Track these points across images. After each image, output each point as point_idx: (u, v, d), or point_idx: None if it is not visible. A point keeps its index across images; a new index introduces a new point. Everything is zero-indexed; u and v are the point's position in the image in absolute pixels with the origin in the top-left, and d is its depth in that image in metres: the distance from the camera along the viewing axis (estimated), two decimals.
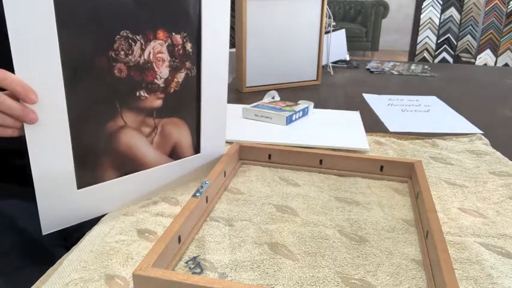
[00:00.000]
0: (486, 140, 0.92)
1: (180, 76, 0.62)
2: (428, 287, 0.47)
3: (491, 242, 0.56)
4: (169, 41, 0.59)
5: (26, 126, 0.48)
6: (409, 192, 0.69)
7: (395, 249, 0.54)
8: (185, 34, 0.61)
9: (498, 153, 0.85)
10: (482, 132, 1.00)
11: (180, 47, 0.60)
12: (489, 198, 0.68)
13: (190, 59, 0.63)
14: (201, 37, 0.62)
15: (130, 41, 0.54)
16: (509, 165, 0.80)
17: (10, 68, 0.45)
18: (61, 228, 0.56)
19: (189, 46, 0.62)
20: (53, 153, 0.52)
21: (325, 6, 1.36)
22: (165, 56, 0.59)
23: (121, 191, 0.61)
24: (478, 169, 0.79)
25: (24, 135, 0.49)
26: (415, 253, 0.53)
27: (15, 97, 0.47)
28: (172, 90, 0.62)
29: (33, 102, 0.47)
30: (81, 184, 0.56)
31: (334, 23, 1.57)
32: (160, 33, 0.57)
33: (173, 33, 0.59)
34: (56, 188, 0.53)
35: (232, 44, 1.35)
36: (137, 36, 0.55)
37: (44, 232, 0.54)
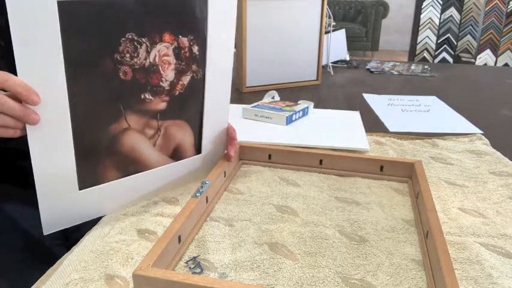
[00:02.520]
0: (486, 140, 0.92)
1: (186, 79, 0.62)
2: (428, 287, 0.47)
3: (491, 242, 0.56)
4: (175, 43, 0.58)
5: (27, 127, 0.48)
6: (409, 192, 0.69)
7: (396, 249, 0.54)
8: (192, 37, 0.60)
9: (498, 153, 0.85)
10: (482, 132, 1.00)
11: (186, 50, 0.60)
12: (489, 198, 0.68)
13: (197, 62, 0.62)
14: (207, 40, 0.62)
15: (135, 43, 0.54)
16: (509, 165, 0.80)
17: (13, 67, 0.45)
18: (62, 228, 0.56)
19: (196, 49, 0.61)
20: (55, 154, 0.52)
21: (325, 6, 1.36)
22: (171, 58, 0.59)
23: (122, 191, 0.61)
24: (478, 169, 0.79)
25: (26, 136, 0.49)
26: (415, 253, 0.53)
27: (17, 98, 0.47)
28: (177, 92, 0.61)
29: (35, 103, 0.47)
30: (82, 185, 0.56)
31: (334, 23, 1.57)
32: (167, 36, 0.57)
33: (180, 36, 0.58)
34: (57, 188, 0.53)
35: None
36: (143, 39, 0.55)
37: (45, 232, 0.54)
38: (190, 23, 0.59)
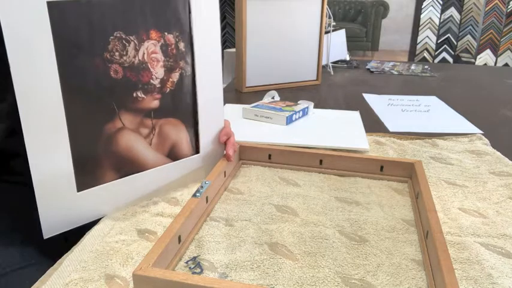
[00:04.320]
0: (486, 140, 0.92)
1: (175, 76, 0.62)
2: (428, 287, 0.47)
3: (491, 242, 0.56)
4: (162, 40, 0.59)
5: (24, 130, 0.48)
6: (409, 192, 0.69)
7: (395, 249, 0.54)
8: (178, 33, 0.61)
9: (498, 153, 0.85)
10: (482, 132, 1.00)
11: (173, 47, 0.61)
12: (489, 198, 0.68)
13: (184, 58, 0.63)
14: (193, 36, 0.63)
15: (124, 41, 0.55)
16: (509, 165, 0.80)
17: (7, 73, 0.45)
18: (62, 231, 0.56)
19: (182, 45, 0.62)
20: (52, 156, 0.52)
21: (325, 6, 1.36)
22: (160, 56, 0.59)
23: (121, 192, 0.61)
24: (478, 169, 0.79)
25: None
26: (415, 253, 0.53)
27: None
28: (168, 90, 0.62)
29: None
30: (80, 186, 0.56)
31: (334, 23, 1.57)
32: (153, 33, 0.58)
33: (166, 33, 0.59)
34: (55, 191, 0.53)
35: (232, 44, 1.35)
36: (130, 37, 0.56)
37: (45, 236, 0.54)
38: (175, 20, 0.60)
